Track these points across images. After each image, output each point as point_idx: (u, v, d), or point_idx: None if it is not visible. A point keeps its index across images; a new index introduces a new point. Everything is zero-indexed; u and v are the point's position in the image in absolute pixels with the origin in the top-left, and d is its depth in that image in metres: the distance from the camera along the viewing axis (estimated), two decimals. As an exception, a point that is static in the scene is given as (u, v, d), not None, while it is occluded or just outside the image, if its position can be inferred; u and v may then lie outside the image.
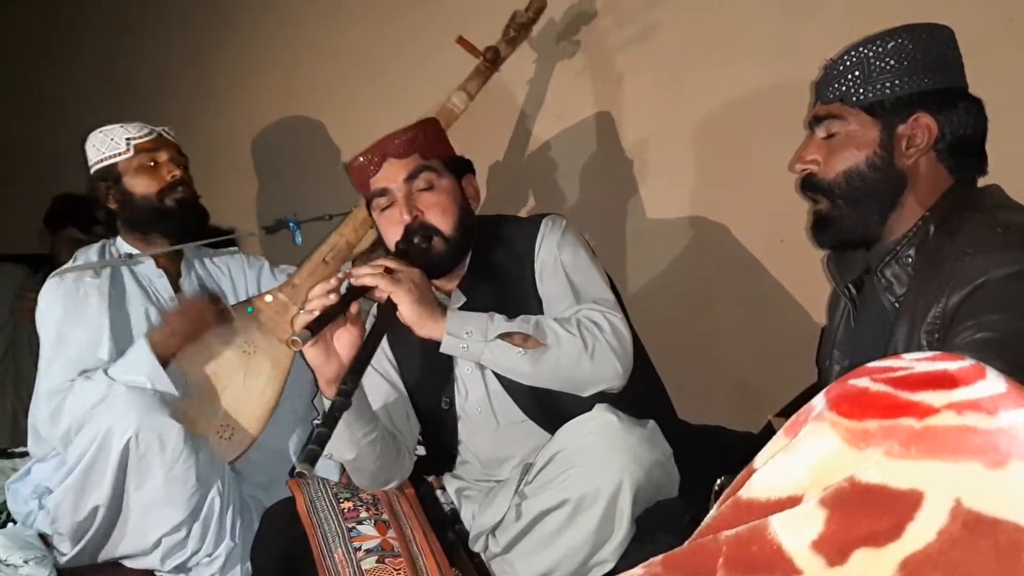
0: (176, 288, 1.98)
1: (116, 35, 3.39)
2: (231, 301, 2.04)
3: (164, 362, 1.75)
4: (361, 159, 1.59)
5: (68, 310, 1.82)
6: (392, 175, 1.55)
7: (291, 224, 2.03)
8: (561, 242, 1.59)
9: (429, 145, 1.59)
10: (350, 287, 1.39)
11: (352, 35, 2.60)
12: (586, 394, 1.45)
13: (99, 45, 3.48)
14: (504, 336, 1.41)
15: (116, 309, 1.86)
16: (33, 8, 3.84)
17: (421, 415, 1.66)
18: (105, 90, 3.38)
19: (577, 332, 1.43)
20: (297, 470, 1.15)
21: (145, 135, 1.94)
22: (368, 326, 1.41)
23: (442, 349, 1.43)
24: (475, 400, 1.58)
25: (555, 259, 1.57)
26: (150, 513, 1.66)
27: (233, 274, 2.09)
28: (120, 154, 1.92)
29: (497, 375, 1.53)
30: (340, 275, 1.39)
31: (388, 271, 1.39)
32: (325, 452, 1.59)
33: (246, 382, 1.81)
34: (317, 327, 1.28)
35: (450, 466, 1.67)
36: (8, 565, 1.65)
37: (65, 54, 3.68)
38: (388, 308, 1.38)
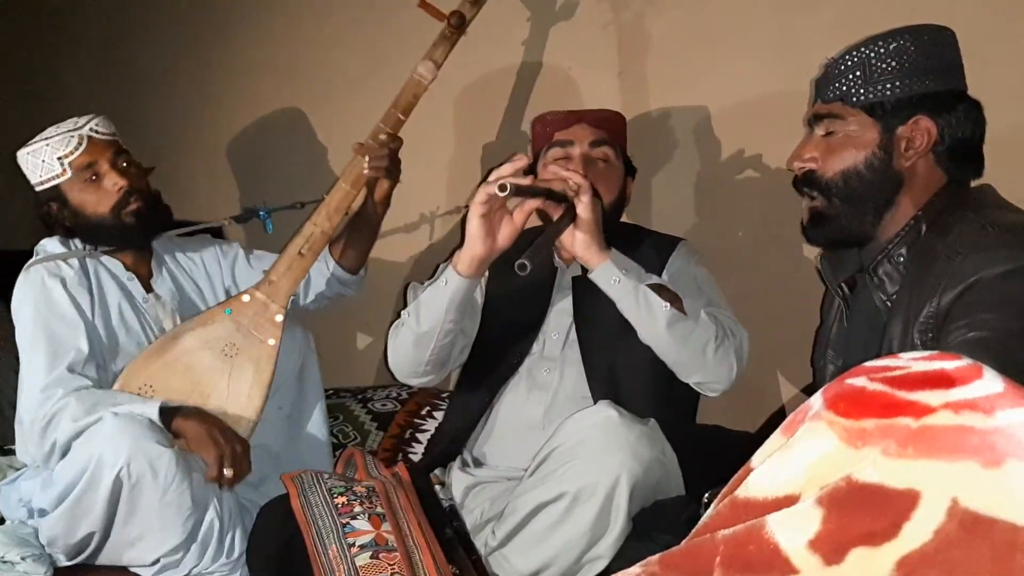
0: (148, 288, 1.89)
1: (114, 30, 3.38)
2: (207, 293, 1.98)
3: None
4: (554, 115, 1.72)
5: (38, 303, 1.76)
6: (581, 134, 1.68)
7: (261, 213, 2.00)
8: (697, 261, 1.71)
9: (616, 132, 1.75)
10: (553, 191, 1.42)
11: (353, 32, 2.60)
12: (689, 380, 1.54)
13: (98, 40, 3.47)
14: (656, 290, 1.46)
15: (92, 301, 1.79)
16: (30, 3, 3.83)
17: (486, 358, 1.69)
18: (104, 85, 3.37)
19: (714, 324, 1.50)
20: (521, 261, 1.20)
21: (75, 148, 1.79)
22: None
23: (592, 276, 1.48)
24: (550, 354, 1.65)
25: (688, 270, 1.67)
26: (145, 537, 1.62)
27: (207, 266, 2.01)
28: (58, 176, 1.81)
29: (583, 348, 1.60)
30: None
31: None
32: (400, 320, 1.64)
33: (230, 386, 1.75)
34: (517, 191, 1.32)
35: (466, 435, 1.71)
36: (5, 562, 1.64)
37: (63, 49, 3.67)
38: (565, 219, 1.40)
